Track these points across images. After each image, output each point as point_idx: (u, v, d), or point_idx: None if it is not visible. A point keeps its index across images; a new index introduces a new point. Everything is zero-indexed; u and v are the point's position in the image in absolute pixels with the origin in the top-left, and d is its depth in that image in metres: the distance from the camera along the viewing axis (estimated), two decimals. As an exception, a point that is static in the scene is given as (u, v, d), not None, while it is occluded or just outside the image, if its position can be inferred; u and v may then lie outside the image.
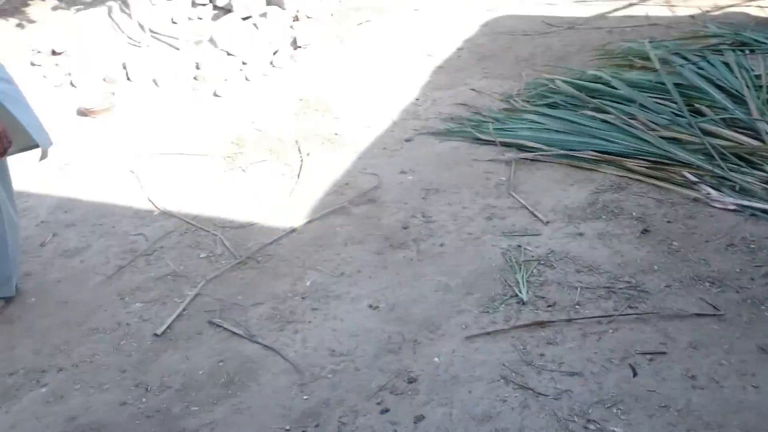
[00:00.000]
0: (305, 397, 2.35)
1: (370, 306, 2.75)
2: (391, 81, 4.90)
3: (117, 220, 3.58)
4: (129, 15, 6.04)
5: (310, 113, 4.52)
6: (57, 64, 5.67)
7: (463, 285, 2.80)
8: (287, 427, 2.24)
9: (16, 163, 4.31)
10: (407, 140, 4.09)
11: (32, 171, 4.16)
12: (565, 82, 4.40)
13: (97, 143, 4.51)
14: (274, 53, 5.62)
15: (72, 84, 5.46)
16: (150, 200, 3.72)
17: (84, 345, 2.71)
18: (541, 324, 2.54)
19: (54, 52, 5.78)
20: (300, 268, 3.04)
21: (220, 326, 2.72)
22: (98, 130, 4.73)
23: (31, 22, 6.17)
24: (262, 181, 3.81)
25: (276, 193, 3.68)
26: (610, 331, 2.50)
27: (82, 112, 4.96)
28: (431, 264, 2.97)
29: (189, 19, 6.11)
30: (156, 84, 5.32)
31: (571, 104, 4.18)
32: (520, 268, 2.84)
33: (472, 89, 4.70)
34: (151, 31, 5.92)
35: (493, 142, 3.89)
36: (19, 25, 6.20)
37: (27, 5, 6.40)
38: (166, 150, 4.27)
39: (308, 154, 3.99)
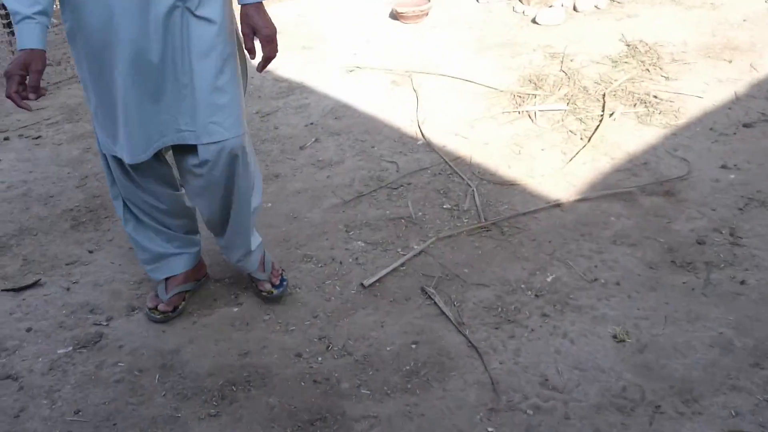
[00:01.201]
0: (490, 429, 1.86)
1: (615, 336, 2.11)
2: (752, 40, 3.84)
3: (379, 140, 3.30)
4: None
5: (633, 64, 3.73)
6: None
7: (753, 350, 2.01)
8: (454, 459, 1.79)
9: (309, 59, 4.24)
10: (746, 125, 3.14)
11: (322, 70, 4.06)
12: None
13: (395, 50, 4.25)
14: (617, -17, 4.78)
15: (395, -16, 5.25)
16: (419, 126, 3.37)
17: (291, 272, 2.50)
18: None
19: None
20: (547, 255, 2.47)
21: (432, 299, 2.31)
22: (403, 36, 4.47)
23: None
24: (544, 135, 3.22)
25: (555, 154, 3.07)
26: None
27: (394, 15, 4.73)
28: (719, 304, 2.19)
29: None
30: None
31: None
32: None
33: None
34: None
35: None
36: None
37: None
38: (456, 72, 3.86)
39: (611, 115, 3.28)
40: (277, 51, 1.99)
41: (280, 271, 2.38)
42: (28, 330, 2.28)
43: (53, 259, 2.64)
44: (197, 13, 1.85)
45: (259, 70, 1.99)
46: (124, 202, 2.17)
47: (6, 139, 3.57)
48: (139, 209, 2.18)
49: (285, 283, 2.37)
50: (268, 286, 2.34)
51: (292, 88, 3.87)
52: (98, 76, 1.89)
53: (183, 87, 1.90)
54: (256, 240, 2.29)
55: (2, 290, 2.45)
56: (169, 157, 2.17)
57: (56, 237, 2.77)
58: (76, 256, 2.66)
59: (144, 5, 1.79)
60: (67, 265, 2.61)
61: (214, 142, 1.95)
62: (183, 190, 2.23)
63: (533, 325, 2.18)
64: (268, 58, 1.98)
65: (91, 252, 2.68)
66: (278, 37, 1.97)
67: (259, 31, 1.91)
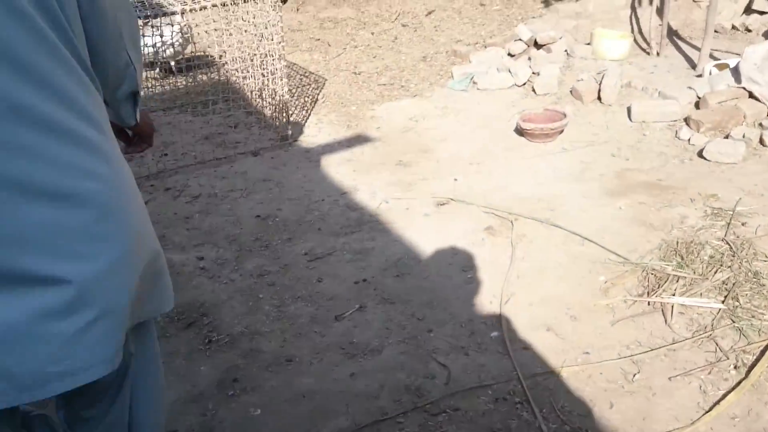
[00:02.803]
0: None
1: None
2: None
3: (440, 321, 2.41)
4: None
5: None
6: (530, 58, 4.64)
7: None
8: None
9: (398, 181, 3.44)
10: None
11: (407, 199, 3.27)
12: None
13: (506, 179, 3.36)
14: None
15: (534, 90, 4.38)
16: (500, 308, 2.44)
17: None
18: None
19: (537, 44, 4.77)
20: None
21: None
22: (522, 160, 3.57)
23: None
24: (679, 350, 2.16)
25: (689, 389, 2.01)
26: None
27: (519, 130, 3.85)
28: None
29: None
30: (629, 116, 3.86)
31: None
32: None
33: None
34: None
35: None
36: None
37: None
38: (575, 223, 2.89)
39: (793, 330, 2.16)
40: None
41: None
42: None
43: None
44: None
45: None
46: None
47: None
48: None
49: None
50: None
51: (361, 223, 3.09)
52: None
53: None
54: None
55: None
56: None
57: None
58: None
59: None
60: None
61: None
62: None
63: None
64: None
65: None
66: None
67: None
